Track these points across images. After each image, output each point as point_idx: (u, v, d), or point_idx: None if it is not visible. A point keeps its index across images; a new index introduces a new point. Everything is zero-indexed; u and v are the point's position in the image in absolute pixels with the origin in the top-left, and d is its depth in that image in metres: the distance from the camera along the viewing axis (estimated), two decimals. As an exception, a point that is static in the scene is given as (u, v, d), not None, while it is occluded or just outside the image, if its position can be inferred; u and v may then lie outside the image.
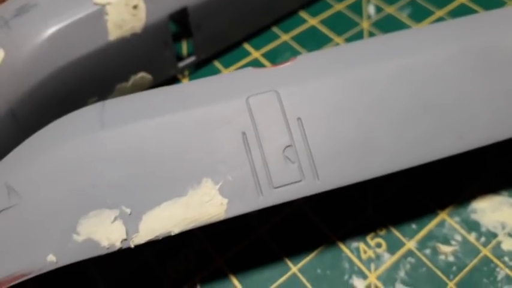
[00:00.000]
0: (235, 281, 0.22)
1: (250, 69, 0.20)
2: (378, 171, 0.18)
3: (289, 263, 0.22)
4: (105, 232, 0.17)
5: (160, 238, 0.17)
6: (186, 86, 0.20)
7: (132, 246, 0.17)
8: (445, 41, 0.20)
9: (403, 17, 0.31)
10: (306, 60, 0.20)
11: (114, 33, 0.23)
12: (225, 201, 0.17)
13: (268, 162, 0.18)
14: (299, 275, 0.22)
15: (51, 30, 0.22)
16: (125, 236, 0.17)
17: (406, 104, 0.19)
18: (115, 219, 0.17)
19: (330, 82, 0.19)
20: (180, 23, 0.30)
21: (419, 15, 0.31)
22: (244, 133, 0.18)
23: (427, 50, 0.20)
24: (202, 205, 0.17)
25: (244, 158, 0.18)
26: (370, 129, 0.18)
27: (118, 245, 0.17)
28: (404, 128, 0.19)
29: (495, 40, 0.20)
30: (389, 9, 0.32)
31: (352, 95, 0.19)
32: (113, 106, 0.19)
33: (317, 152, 0.18)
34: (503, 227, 0.23)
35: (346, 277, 0.22)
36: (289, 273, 0.22)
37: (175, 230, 0.17)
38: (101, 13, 0.23)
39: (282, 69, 0.20)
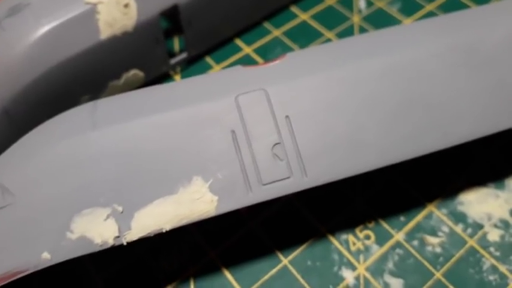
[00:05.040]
0: (227, 274, 0.22)
1: (239, 67, 0.20)
2: (364, 167, 0.19)
3: (280, 256, 0.22)
4: (98, 230, 0.17)
5: (152, 235, 0.17)
6: (177, 85, 0.20)
7: (125, 243, 0.17)
8: (431, 38, 0.20)
9: (393, 11, 0.32)
10: (294, 58, 0.20)
11: (105, 32, 0.23)
12: (215, 198, 0.18)
13: (257, 159, 0.18)
14: (290, 267, 0.22)
15: (44, 29, 0.22)
16: (117, 233, 0.17)
17: (393, 100, 0.19)
18: (107, 217, 0.17)
19: (317, 80, 0.19)
20: (171, 20, 0.30)
21: (409, 9, 0.32)
22: (233, 131, 0.18)
23: (414, 47, 0.20)
24: (193, 202, 0.18)
25: (233, 156, 0.18)
26: (358, 125, 0.19)
27: (111, 242, 0.17)
28: (391, 125, 0.19)
29: (481, 37, 0.20)
30: (380, 4, 0.32)
31: (339, 92, 0.19)
32: (104, 106, 0.19)
33: (305, 149, 0.18)
34: (489, 218, 0.23)
35: (335, 268, 0.22)
36: (280, 265, 0.22)
37: (167, 227, 0.17)
38: (92, 12, 0.23)
39: (270, 68, 0.20)
